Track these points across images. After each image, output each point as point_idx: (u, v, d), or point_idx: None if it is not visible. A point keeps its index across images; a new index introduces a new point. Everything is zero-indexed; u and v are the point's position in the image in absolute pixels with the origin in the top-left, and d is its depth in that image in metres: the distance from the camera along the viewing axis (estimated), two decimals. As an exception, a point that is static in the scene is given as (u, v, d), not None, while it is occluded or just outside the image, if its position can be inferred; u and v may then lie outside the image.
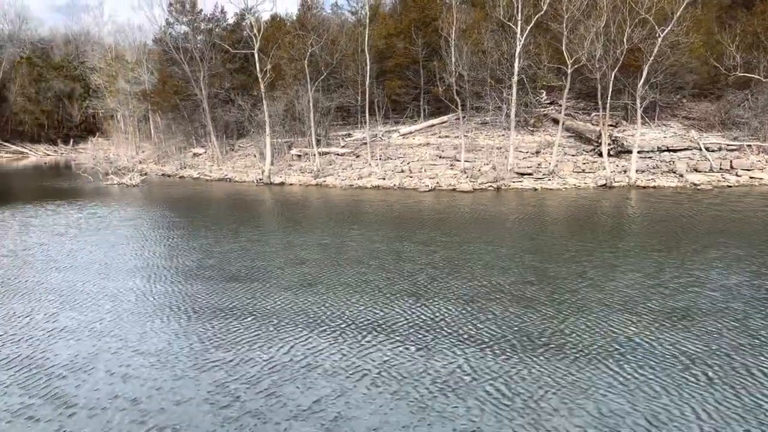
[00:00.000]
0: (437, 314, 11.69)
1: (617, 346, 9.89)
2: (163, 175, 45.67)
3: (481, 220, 22.82)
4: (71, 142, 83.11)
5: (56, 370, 9.49)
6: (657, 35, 30.98)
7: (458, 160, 35.64)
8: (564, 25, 32.83)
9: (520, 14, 33.51)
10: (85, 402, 8.41)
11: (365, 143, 39.22)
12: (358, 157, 39.17)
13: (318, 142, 39.33)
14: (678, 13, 30.76)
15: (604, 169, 32.60)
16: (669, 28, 30.80)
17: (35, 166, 64.26)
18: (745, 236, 18.54)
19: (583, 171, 33.49)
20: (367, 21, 40.18)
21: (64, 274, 15.44)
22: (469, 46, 36.83)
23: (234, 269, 15.48)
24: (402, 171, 35.78)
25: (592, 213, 24.18)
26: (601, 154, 33.71)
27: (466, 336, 10.53)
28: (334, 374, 9.11)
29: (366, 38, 39.15)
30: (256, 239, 19.51)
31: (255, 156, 43.19)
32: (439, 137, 39.99)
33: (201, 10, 47.72)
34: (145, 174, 44.52)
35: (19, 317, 12.05)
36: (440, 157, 37.05)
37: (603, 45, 32.51)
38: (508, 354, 9.74)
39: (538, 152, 35.92)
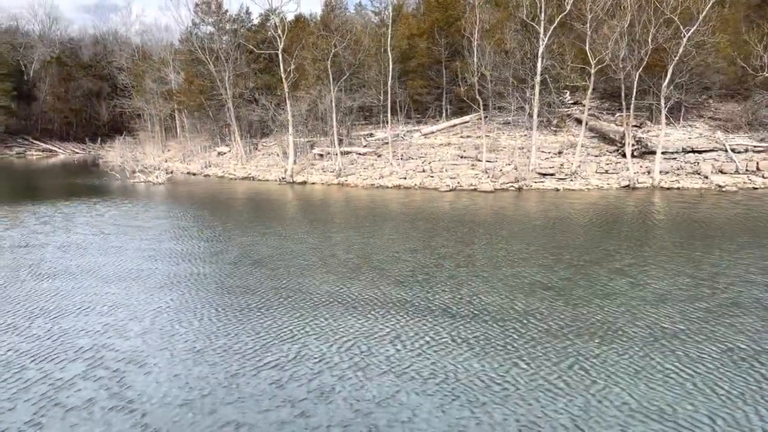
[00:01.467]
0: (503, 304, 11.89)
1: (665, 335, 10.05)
2: (188, 173, 46.40)
3: (511, 220, 22.88)
4: (99, 141, 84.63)
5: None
6: (682, 35, 30.69)
7: (480, 160, 35.67)
8: (588, 24, 32.70)
9: (543, 14, 33.43)
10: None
11: (387, 143, 39.44)
12: (379, 156, 39.40)
13: (340, 141, 39.67)
14: (704, 13, 30.42)
15: (628, 170, 32.37)
16: (695, 27, 30.49)
17: (64, 163, 65.64)
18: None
19: (606, 172, 33.30)
20: (390, 21, 40.39)
21: (140, 263, 16.35)
22: (492, 45, 36.84)
23: (296, 262, 15.82)
24: (423, 171, 35.93)
25: (621, 213, 24.14)
26: (624, 155, 33.49)
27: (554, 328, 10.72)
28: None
29: (389, 38, 39.37)
30: (297, 237, 19.88)
31: (278, 155, 43.68)
32: (461, 137, 40.05)
33: (226, 11, 48.39)
34: (171, 172, 45.26)
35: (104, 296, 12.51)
36: (462, 157, 37.12)
37: (627, 45, 32.31)
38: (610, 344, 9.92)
39: (560, 152, 35.81)
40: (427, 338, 10.58)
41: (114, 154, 52.61)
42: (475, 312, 11.91)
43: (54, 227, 22.30)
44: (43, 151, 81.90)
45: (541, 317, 11.51)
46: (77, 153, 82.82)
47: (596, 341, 10.28)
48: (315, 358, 9.79)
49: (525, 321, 11.35)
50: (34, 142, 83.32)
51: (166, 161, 53.12)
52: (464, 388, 8.67)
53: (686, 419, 7.72)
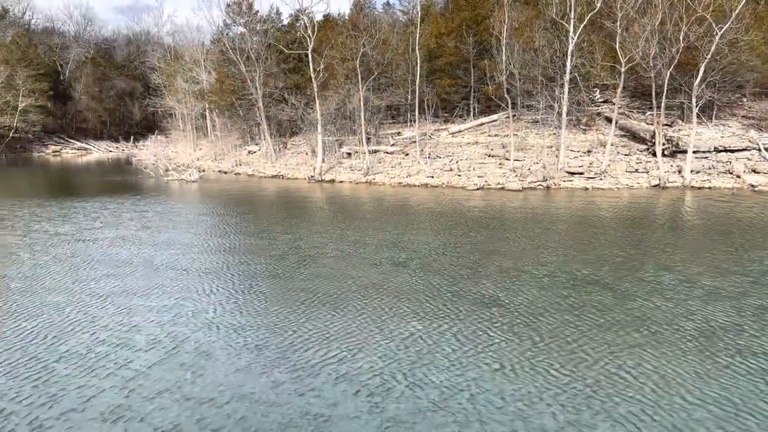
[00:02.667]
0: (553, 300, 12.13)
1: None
2: (219, 171, 47.24)
3: (544, 218, 22.96)
4: (131, 140, 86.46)
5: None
6: (714, 33, 30.32)
7: (507, 159, 35.70)
8: (618, 23, 32.48)
9: (573, 12, 33.31)
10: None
11: (414, 142, 39.67)
12: (407, 155, 39.65)
13: (368, 140, 40.02)
14: (737, 10, 30.01)
15: (658, 169, 32.10)
16: (728, 25, 30.09)
17: (98, 162, 67.24)
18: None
19: (636, 171, 33.06)
20: (419, 20, 40.59)
21: (197, 256, 16.87)
22: (521, 44, 36.80)
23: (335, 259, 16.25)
24: (450, 169, 36.08)
25: (655, 212, 24.16)
26: (654, 154, 33.20)
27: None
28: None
29: (417, 37, 39.58)
30: (338, 234, 20.31)
31: (307, 154, 44.23)
32: (489, 136, 40.07)
33: (257, 12, 49.09)
34: (203, 171, 46.12)
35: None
36: (489, 155, 37.17)
37: (658, 43, 32.02)
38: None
39: (589, 151, 35.64)
40: (488, 332, 10.83)
41: (147, 152, 53.83)
42: (529, 304, 12.21)
43: (104, 223, 23.09)
44: (78, 149, 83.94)
45: (595, 311, 11.75)
46: (111, 151, 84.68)
47: (653, 334, 10.48)
48: (378, 352, 10.00)
49: (578, 314, 11.60)
50: (69, 140, 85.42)
51: (197, 160, 54.12)
52: (527, 379, 8.90)
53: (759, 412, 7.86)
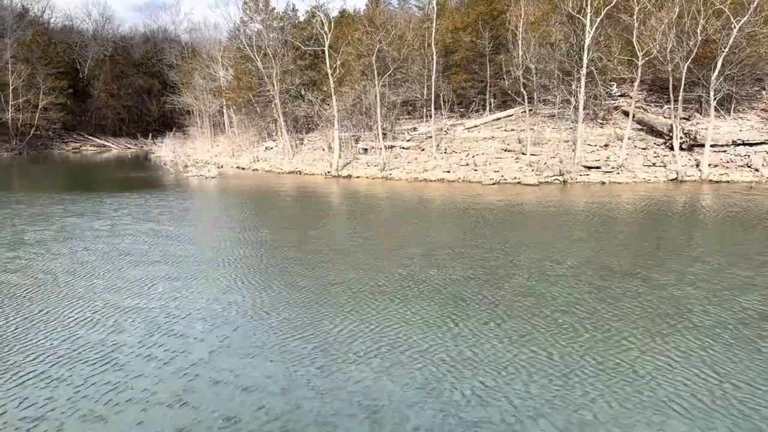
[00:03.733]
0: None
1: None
2: (237, 167, 47.76)
3: (566, 211, 23.12)
4: (149, 136, 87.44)
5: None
6: (732, 26, 30.15)
7: (524, 154, 35.77)
8: (635, 16, 32.41)
9: (589, 6, 33.27)
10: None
11: (430, 137, 39.86)
12: (423, 150, 39.84)
13: (384, 136, 40.26)
14: (756, 2, 29.84)
15: (675, 162, 32.02)
16: (746, 18, 29.92)
17: (118, 158, 68.20)
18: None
19: (653, 165, 33.01)
20: (435, 15, 40.72)
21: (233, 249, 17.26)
22: (537, 38, 36.81)
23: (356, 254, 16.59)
24: (467, 164, 36.23)
25: (677, 205, 24.42)
26: (672, 148, 33.12)
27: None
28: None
29: (433, 33, 39.72)
30: (365, 228, 20.66)
31: (323, 150, 44.57)
32: (505, 131, 40.13)
33: (273, 9, 49.47)
34: (221, 167, 46.66)
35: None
36: (505, 150, 37.26)
37: (675, 36, 31.90)
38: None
39: (606, 145, 35.61)
40: (531, 321, 11.00)
41: (165, 149, 54.40)
42: (566, 294, 12.45)
43: (134, 218, 23.52)
44: (97, 146, 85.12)
45: (632, 300, 11.95)
46: (130, 148, 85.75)
47: (692, 322, 10.68)
48: (425, 342, 10.14)
49: (615, 303, 11.78)
50: (89, 137, 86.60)
51: (215, 156, 54.70)
52: (576, 366, 9.06)
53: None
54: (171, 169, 44.20)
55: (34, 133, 73.92)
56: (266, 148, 51.27)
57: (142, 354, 9.78)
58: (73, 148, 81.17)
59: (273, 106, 48.00)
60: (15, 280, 14.01)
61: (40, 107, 72.54)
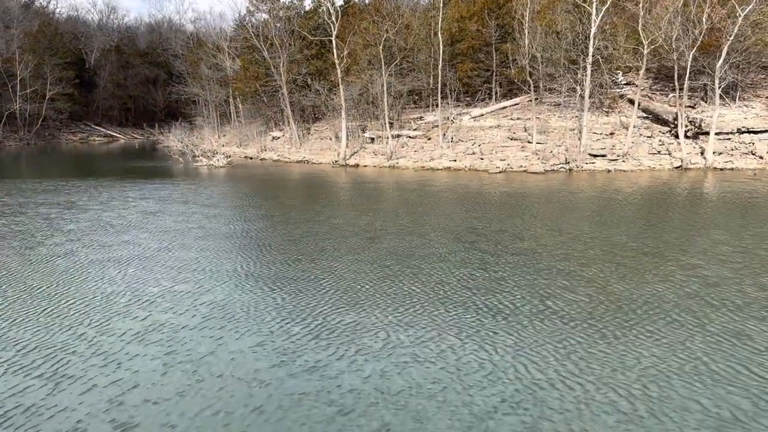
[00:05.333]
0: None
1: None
2: (245, 157, 48.20)
3: (578, 198, 23.51)
4: (156, 126, 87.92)
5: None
6: (738, 14, 30.32)
7: (530, 142, 36.09)
8: (640, 5, 32.57)
9: (595, -5, 33.45)
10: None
11: (437, 126, 40.18)
12: (429, 139, 40.20)
13: (391, 125, 40.60)
14: (762, -9, 29.99)
15: (681, 150, 32.31)
16: (751, 6, 30.08)
17: (125, 148, 68.69)
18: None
19: (659, 153, 33.30)
20: (441, 4, 40.89)
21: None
22: (543, 27, 37.00)
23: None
24: (473, 153, 36.58)
25: (686, 192, 24.78)
26: (677, 136, 33.38)
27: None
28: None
29: (439, 22, 39.93)
30: (386, 217, 21.07)
31: (330, 139, 44.96)
32: (511, 119, 40.41)
33: (279, -2, 49.63)
34: (229, 156, 47.09)
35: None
36: (511, 139, 37.58)
37: (681, 25, 32.08)
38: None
39: (612, 134, 35.88)
40: (562, 295, 11.48)
41: (172, 139, 54.83)
42: (598, 272, 13.00)
43: (168, 202, 24.53)
44: (104, 136, 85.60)
45: (662, 278, 12.46)
46: (136, 138, 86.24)
47: (727, 298, 11.16)
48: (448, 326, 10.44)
49: (644, 281, 12.28)
50: (95, 127, 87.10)
51: (222, 146, 55.12)
52: (619, 342, 9.31)
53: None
54: (180, 159, 44.67)
55: (42, 124, 74.44)
56: (273, 137, 51.66)
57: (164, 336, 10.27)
58: (80, 138, 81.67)
59: (280, 95, 48.32)
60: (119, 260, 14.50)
61: (47, 97, 73.05)
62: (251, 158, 47.44)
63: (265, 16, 49.87)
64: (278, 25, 48.47)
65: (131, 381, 8.29)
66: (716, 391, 7.73)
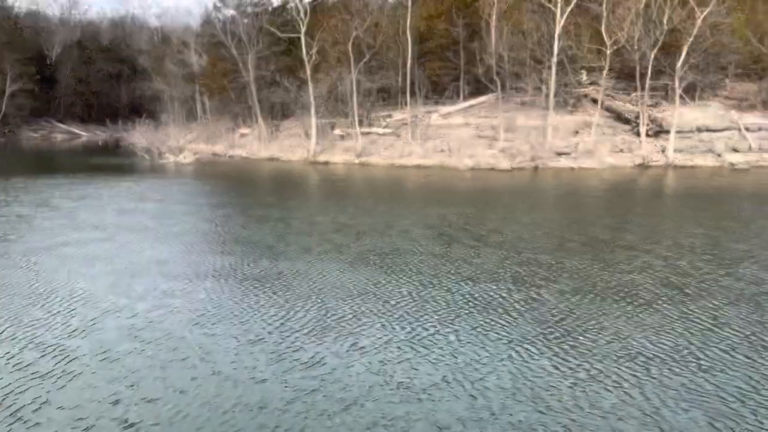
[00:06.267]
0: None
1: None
2: (213, 154, 47.75)
3: (555, 194, 24.05)
4: (120, 123, 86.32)
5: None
6: (697, 16, 31.32)
7: (497, 140, 36.66)
8: (604, 6, 33.37)
9: (560, -5, 34.17)
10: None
11: (406, 123, 40.48)
12: (399, 137, 40.49)
13: (360, 122, 40.76)
14: (719, -6, 31.05)
15: (642, 148, 33.24)
16: (709, 9, 31.09)
17: (89, 145, 67.41)
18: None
19: (621, 151, 34.20)
20: (410, 3, 41.14)
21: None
22: (510, 27, 37.60)
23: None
24: (442, 150, 37.00)
25: (646, 188, 25.68)
26: (639, 134, 34.33)
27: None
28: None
29: (408, 20, 40.20)
30: (367, 214, 21.21)
31: (300, 136, 44.86)
32: (478, 117, 40.94)
33: (247, -6, 49.26)
34: (197, 153, 46.59)
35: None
36: (479, 137, 38.11)
37: (643, 26, 32.98)
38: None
39: (576, 132, 36.68)
40: (551, 286, 11.75)
41: (137, 135, 53.96)
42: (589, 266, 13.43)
43: (142, 199, 24.28)
44: (66, 133, 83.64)
45: (651, 271, 12.94)
46: (99, 135, 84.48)
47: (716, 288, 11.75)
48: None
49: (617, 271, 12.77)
50: (57, 124, 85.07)
51: (189, 143, 54.45)
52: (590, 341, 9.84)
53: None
54: (146, 156, 44.01)
55: (2, 121, 72.43)
56: (241, 134, 51.29)
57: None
58: (42, 136, 79.70)
59: (248, 92, 48.01)
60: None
61: (7, 94, 71.09)
62: (219, 155, 47.04)
63: (232, 12, 49.49)
64: (246, 21, 48.12)
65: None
66: (692, 368, 8.22)
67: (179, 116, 65.45)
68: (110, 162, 42.76)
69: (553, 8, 34.89)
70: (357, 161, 37.62)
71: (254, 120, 49.45)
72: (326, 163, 38.64)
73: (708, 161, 31.86)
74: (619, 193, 24.26)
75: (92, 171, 35.94)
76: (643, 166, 31.87)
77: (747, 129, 33.63)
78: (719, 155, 32.20)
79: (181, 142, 52.00)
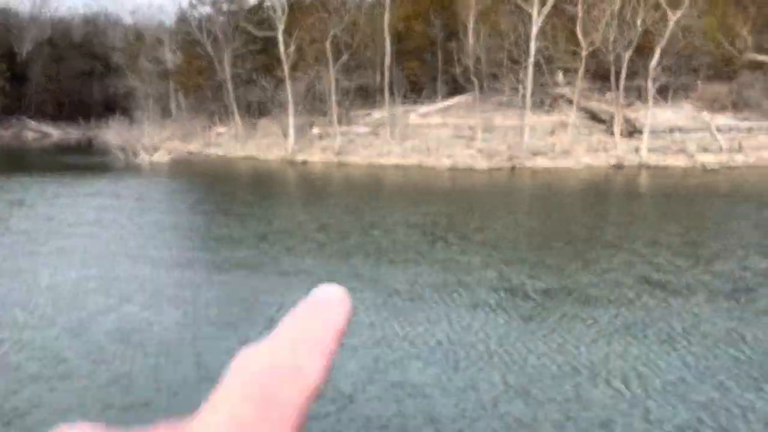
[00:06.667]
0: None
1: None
2: (188, 153, 47.18)
3: (539, 195, 24.29)
4: (92, 121, 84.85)
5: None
6: (669, 18, 31.86)
7: (475, 140, 36.88)
8: (579, 7, 33.79)
9: (536, -3, 34.52)
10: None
11: (384, 123, 40.50)
12: (377, 136, 40.48)
13: (339, 121, 40.65)
14: (691, -3, 31.64)
15: (616, 148, 33.73)
16: (681, 11, 31.65)
17: (61, 144, 66.18)
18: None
19: (596, 150, 34.64)
20: (387, 2, 41.15)
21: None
22: (487, 28, 37.85)
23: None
24: (420, 150, 37.08)
25: (621, 189, 26.04)
26: (614, 134, 34.81)
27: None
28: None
29: (386, 20, 40.20)
30: (346, 212, 21.16)
31: (277, 135, 44.59)
32: (457, 117, 41.13)
33: (223, -9, 48.80)
34: (171, 152, 46.01)
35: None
36: (457, 136, 38.30)
37: (617, 27, 33.46)
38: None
39: (552, 132, 37.08)
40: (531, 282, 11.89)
41: (111, 134, 53.10)
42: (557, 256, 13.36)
43: (121, 199, 23.88)
44: (37, 131, 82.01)
45: (631, 269, 13.17)
46: (71, 133, 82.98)
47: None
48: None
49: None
50: (28, 122, 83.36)
51: (164, 141, 53.75)
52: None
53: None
54: (120, 154, 43.34)
55: (-29, 119, 70.77)
56: (217, 133, 50.81)
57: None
58: (12, 134, 78.02)
59: (224, 90, 47.58)
60: None
61: (-24, 91, 69.46)
62: (195, 154, 46.53)
63: (208, 10, 49.00)
64: (222, 19, 47.68)
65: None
66: (674, 358, 8.44)
67: (154, 114, 64.54)
68: (84, 161, 42.04)
69: (529, 10, 35.21)
70: (336, 160, 37.53)
71: (231, 118, 49.02)
72: (304, 162, 38.46)
73: (680, 161, 32.43)
74: (597, 193, 24.59)
75: (65, 170, 35.30)
76: (618, 166, 32.33)
77: (718, 130, 34.30)
78: (691, 156, 32.78)
79: (155, 140, 51.36)
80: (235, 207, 21.69)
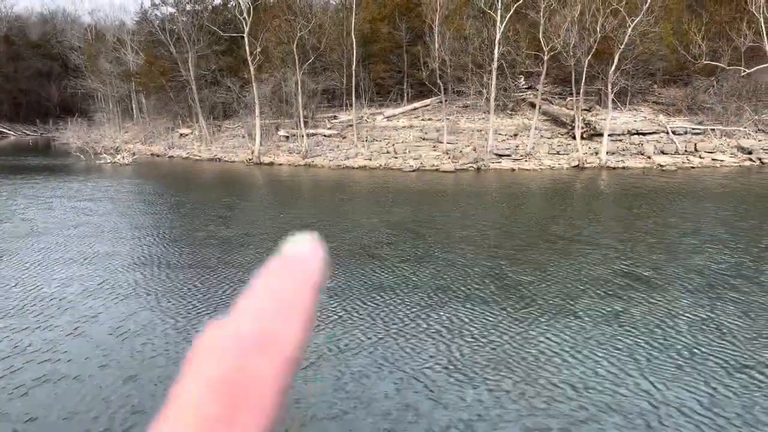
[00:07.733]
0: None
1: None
2: (152, 155, 46.60)
3: (510, 194, 24.70)
4: (50, 122, 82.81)
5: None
6: (628, 24, 32.89)
7: (441, 142, 37.38)
8: (541, 13, 34.57)
9: (500, 2, 35.17)
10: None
11: (351, 125, 40.70)
12: (344, 138, 40.66)
13: (305, 123, 40.67)
14: (648, 4, 32.68)
15: (577, 151, 34.61)
16: (639, 18, 32.71)
17: (18, 145, 64.42)
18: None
19: (558, 153, 35.49)
20: (354, 5, 41.39)
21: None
22: (452, 32, 38.42)
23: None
24: (387, 152, 37.41)
25: (586, 189, 26.67)
26: (574, 137, 35.72)
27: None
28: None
29: (352, 23, 40.43)
30: (318, 215, 21.15)
31: (243, 137, 44.36)
32: (423, 120, 41.63)
33: (187, -9, 48.31)
34: (135, 154, 45.39)
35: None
36: (423, 139, 38.76)
37: (578, 33, 34.36)
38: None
39: (516, 135, 37.83)
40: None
41: (70, 135, 52.09)
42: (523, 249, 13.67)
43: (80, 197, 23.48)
44: (-8, 132, 79.69)
45: (609, 265, 13.58)
46: (28, 135, 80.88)
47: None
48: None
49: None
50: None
51: (126, 143, 52.96)
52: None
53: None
54: (81, 156, 42.55)
55: None
56: (181, 134, 50.26)
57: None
58: (-35, 135, 75.67)
59: (188, 91, 47.09)
60: None
61: (-74, 90, 67.10)
62: (158, 156, 45.95)
63: (171, 9, 48.46)
64: (185, 19, 47.20)
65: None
66: (651, 350, 8.85)
67: (114, 115, 63.48)
68: (43, 162, 41.13)
69: (493, 15, 35.88)
70: (302, 162, 37.54)
71: (195, 120, 48.56)
72: (271, 164, 38.37)
73: (638, 163, 33.46)
74: (560, 193, 25.25)
75: (24, 171, 34.54)
76: (579, 168, 33.18)
77: (674, 132, 35.52)
78: (649, 157, 33.86)
79: (117, 142, 50.55)
80: (209, 210, 21.60)
